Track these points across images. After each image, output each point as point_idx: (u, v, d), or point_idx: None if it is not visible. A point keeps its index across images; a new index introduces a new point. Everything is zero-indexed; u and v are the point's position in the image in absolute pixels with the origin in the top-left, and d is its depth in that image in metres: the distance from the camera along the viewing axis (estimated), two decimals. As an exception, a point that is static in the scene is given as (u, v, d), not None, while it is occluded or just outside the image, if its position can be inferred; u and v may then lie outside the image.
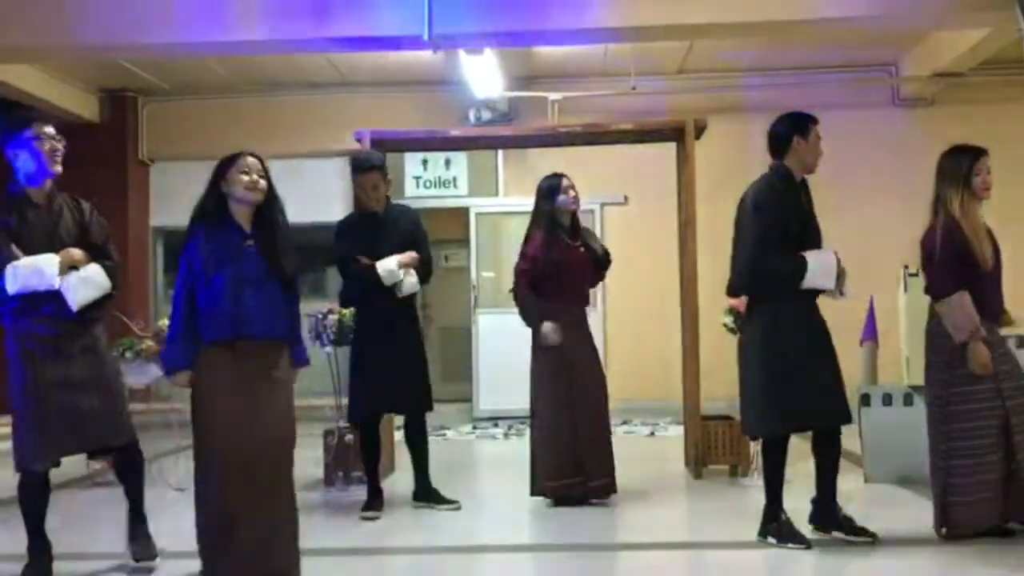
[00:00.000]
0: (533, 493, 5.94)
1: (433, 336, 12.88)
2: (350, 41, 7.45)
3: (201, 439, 4.15)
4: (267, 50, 8.39)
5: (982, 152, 4.88)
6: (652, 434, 9.21)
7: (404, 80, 10.81)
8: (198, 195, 4.31)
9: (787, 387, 4.66)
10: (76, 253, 4.52)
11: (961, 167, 4.84)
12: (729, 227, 4.93)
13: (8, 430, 4.53)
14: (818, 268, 4.71)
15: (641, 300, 10.52)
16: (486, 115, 10.90)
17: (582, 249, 6.01)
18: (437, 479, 6.07)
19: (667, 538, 5.24)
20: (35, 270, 4.38)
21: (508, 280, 6.05)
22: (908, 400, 6.25)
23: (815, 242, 4.84)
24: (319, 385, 6.99)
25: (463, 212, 11.37)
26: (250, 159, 4.24)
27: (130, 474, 4.80)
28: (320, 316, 6.62)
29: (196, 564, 4.55)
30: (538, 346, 5.86)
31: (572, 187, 5.96)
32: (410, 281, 5.78)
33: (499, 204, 11.16)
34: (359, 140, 7.01)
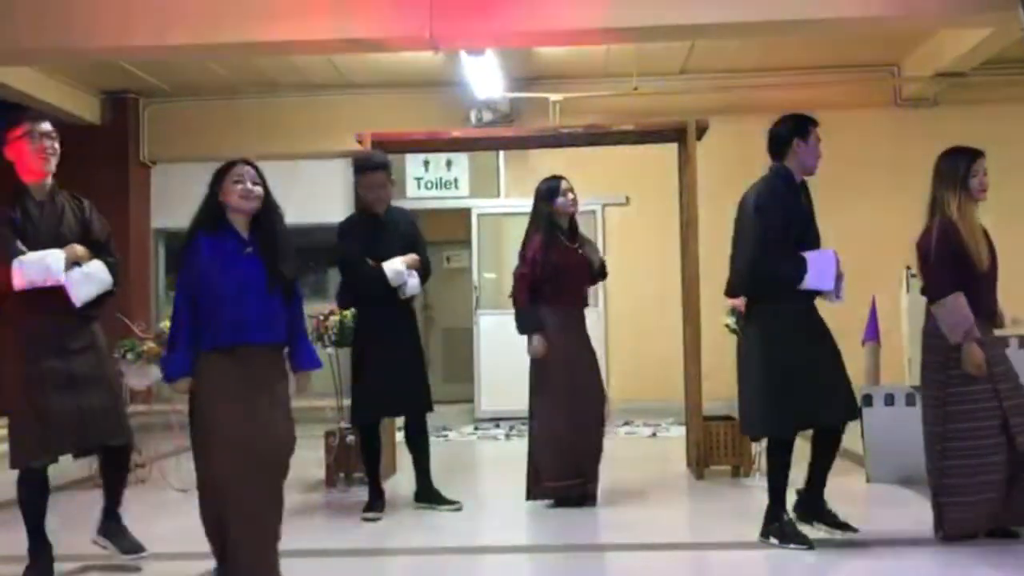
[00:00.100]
0: (530, 496, 5.94)
1: (435, 337, 12.91)
2: (351, 42, 7.44)
3: (201, 445, 4.15)
4: (268, 52, 8.40)
5: (979, 154, 4.88)
6: (654, 435, 9.20)
7: (405, 81, 10.81)
8: (199, 197, 4.31)
9: (790, 387, 4.66)
10: (79, 249, 4.56)
11: (958, 169, 4.84)
12: (731, 228, 4.93)
13: (5, 431, 4.53)
14: (818, 269, 4.71)
15: (642, 301, 10.52)
16: (487, 116, 10.90)
17: (580, 251, 6.01)
18: (439, 480, 6.06)
19: (669, 539, 5.23)
20: (41, 265, 4.41)
21: (510, 281, 6.04)
22: (910, 400, 6.23)
23: (814, 244, 4.85)
24: (320, 386, 6.98)
25: (465, 213, 11.37)
26: (243, 168, 4.26)
27: (117, 473, 4.79)
28: (321, 318, 6.63)
29: (197, 565, 4.57)
30: (541, 343, 5.84)
31: (571, 189, 5.96)
32: (413, 283, 5.80)
33: (500, 205, 11.16)
34: (360, 141, 7.01)
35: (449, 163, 11.28)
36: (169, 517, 5.87)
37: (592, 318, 6.15)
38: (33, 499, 4.55)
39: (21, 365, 4.45)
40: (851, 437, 6.61)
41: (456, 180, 11.35)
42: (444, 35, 7.06)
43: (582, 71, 10.78)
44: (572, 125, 8.15)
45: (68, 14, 7.22)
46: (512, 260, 6.10)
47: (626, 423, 9.97)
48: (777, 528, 4.77)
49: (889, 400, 6.38)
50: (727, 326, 6.54)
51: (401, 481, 6.58)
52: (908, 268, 6.34)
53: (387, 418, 6.11)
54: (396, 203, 6.09)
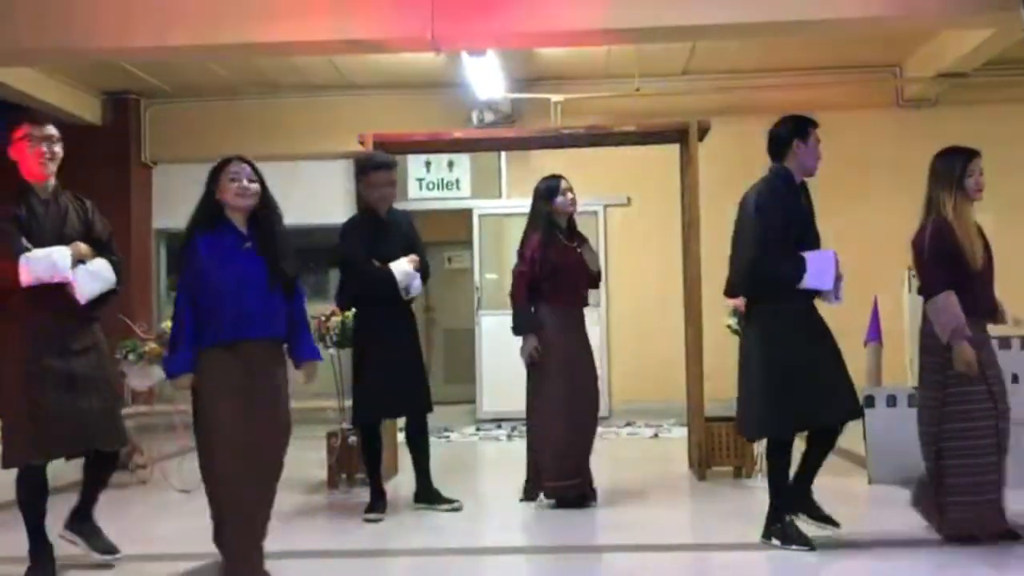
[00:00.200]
0: (525, 497, 5.95)
1: (436, 338, 12.92)
2: (352, 43, 7.45)
3: (203, 442, 4.18)
4: (269, 52, 8.40)
5: (975, 154, 4.89)
6: (656, 435, 9.20)
7: (406, 82, 10.80)
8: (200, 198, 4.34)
9: (790, 388, 4.66)
10: (84, 247, 4.59)
11: (954, 169, 4.85)
12: (732, 228, 4.93)
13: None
14: (817, 268, 4.72)
15: (644, 301, 10.52)
16: (489, 117, 10.89)
17: (579, 250, 6.01)
18: (441, 480, 6.07)
19: (670, 540, 5.23)
20: (48, 261, 4.43)
21: (511, 282, 6.04)
22: (912, 401, 6.21)
23: (814, 244, 4.85)
24: (322, 387, 6.98)
25: (466, 214, 11.36)
26: (239, 165, 4.30)
27: (102, 476, 4.78)
28: (323, 319, 6.63)
29: (199, 565, 4.58)
30: (534, 347, 5.84)
31: (570, 189, 5.96)
32: (416, 284, 5.82)
33: (502, 206, 11.15)
34: (362, 142, 7.01)
35: (451, 164, 11.28)
36: (171, 518, 5.88)
37: (593, 319, 6.16)
38: (32, 499, 4.54)
39: (22, 363, 4.45)
40: (853, 438, 6.61)
41: (457, 181, 11.35)
42: (445, 36, 7.06)
43: (583, 72, 10.78)
44: (573, 126, 8.14)
45: (69, 15, 7.23)
46: (513, 261, 6.10)
47: (628, 424, 9.98)
48: (779, 529, 4.77)
49: (891, 401, 6.38)
50: (729, 327, 6.55)
51: (403, 482, 6.58)
52: (909, 268, 6.34)
53: (388, 419, 6.10)
54: (396, 204, 6.09)
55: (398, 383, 5.73)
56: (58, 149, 4.64)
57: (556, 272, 5.83)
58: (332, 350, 6.72)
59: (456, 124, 10.69)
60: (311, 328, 4.86)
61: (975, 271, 4.75)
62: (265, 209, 4.34)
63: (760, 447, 6.19)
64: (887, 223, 9.82)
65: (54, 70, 10.04)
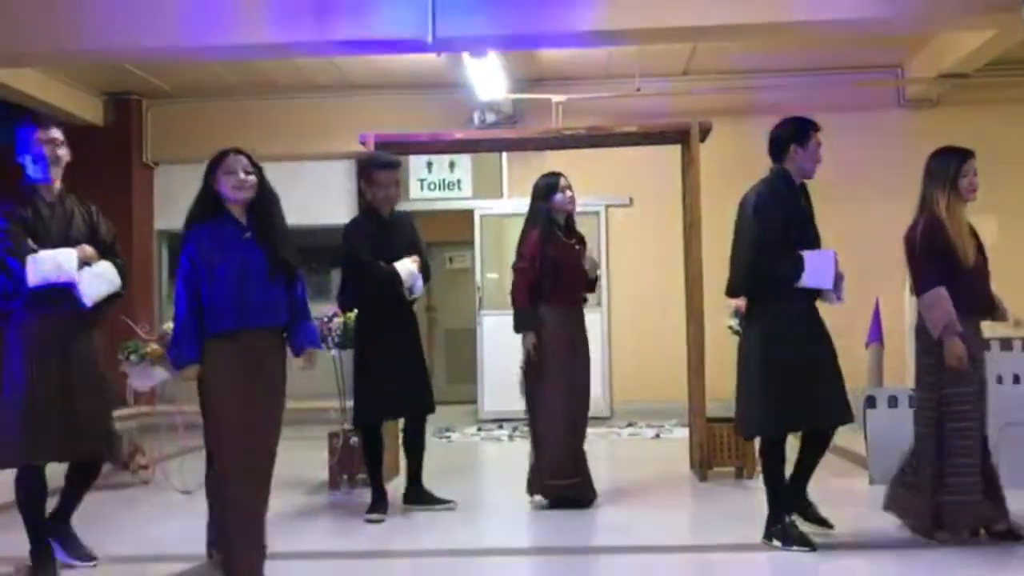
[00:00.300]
0: (531, 491, 5.97)
1: (438, 338, 12.92)
2: (354, 44, 7.45)
3: (213, 429, 4.23)
4: (271, 53, 8.40)
5: (969, 154, 4.92)
6: (657, 436, 9.20)
7: (408, 83, 10.80)
8: (200, 197, 4.37)
9: (788, 387, 4.68)
10: (89, 250, 4.63)
11: (948, 168, 4.88)
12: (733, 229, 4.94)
13: None
14: (816, 266, 4.73)
15: (645, 302, 10.51)
16: (490, 117, 10.89)
17: (578, 247, 6.01)
18: (442, 480, 6.07)
19: (671, 541, 5.23)
20: (54, 263, 4.46)
21: (511, 280, 6.04)
22: (913, 402, 6.22)
23: (814, 245, 4.87)
24: (323, 387, 6.99)
25: (468, 214, 11.36)
26: (235, 158, 4.33)
27: (85, 483, 4.78)
28: (325, 319, 6.62)
29: (199, 566, 4.59)
30: (540, 345, 5.85)
31: (569, 187, 5.97)
32: (419, 284, 5.82)
33: (503, 206, 11.14)
34: (363, 143, 7.01)
35: (452, 164, 11.29)
36: (173, 519, 5.88)
37: (595, 319, 6.16)
38: (31, 499, 4.55)
39: (23, 365, 4.46)
40: (854, 438, 6.62)
41: (459, 181, 11.36)
42: (446, 37, 7.06)
43: (585, 72, 10.78)
44: (575, 126, 8.14)
45: (70, 16, 7.23)
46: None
47: (629, 424, 9.98)
48: (780, 530, 4.77)
49: (892, 402, 6.38)
50: (730, 327, 6.54)
51: (404, 483, 6.57)
52: (910, 269, 6.34)
53: (390, 421, 6.10)
54: (397, 205, 6.09)
55: (400, 384, 5.73)
56: (63, 152, 4.66)
57: (556, 269, 5.83)
58: (334, 351, 6.71)
59: (458, 125, 10.69)
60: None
61: (967, 269, 4.78)
62: (264, 199, 4.37)
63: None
64: (888, 224, 9.75)
65: (56, 71, 10.05)
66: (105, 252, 4.71)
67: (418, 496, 5.97)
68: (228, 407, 4.16)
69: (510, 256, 6.10)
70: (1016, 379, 5.90)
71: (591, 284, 6.14)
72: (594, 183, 10.09)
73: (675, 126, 7.25)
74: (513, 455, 8.09)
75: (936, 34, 9.61)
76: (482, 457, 8.69)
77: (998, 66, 9.80)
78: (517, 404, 6.08)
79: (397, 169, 5.94)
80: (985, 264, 4.92)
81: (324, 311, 6.77)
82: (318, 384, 6.44)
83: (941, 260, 4.75)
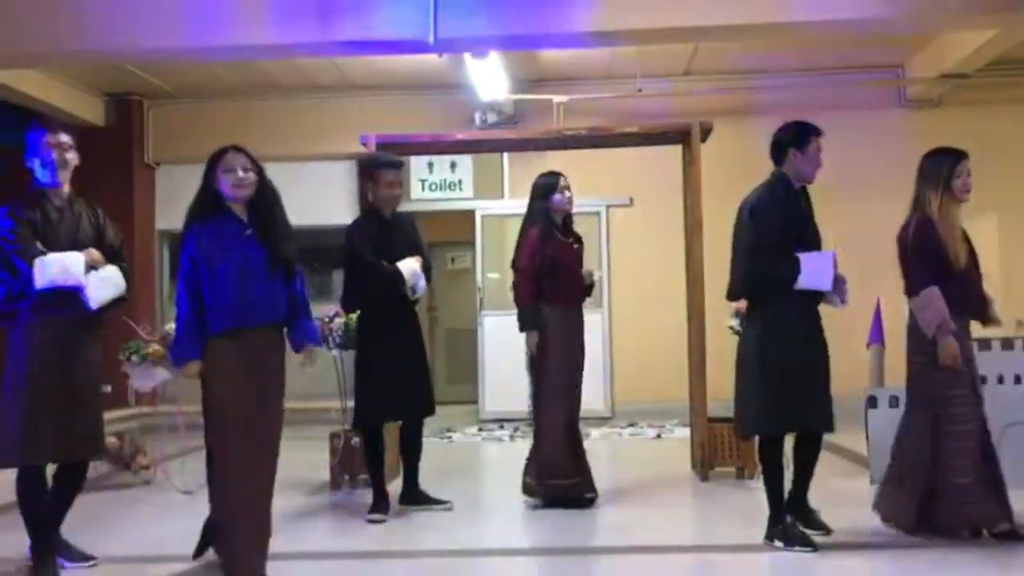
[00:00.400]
0: (532, 493, 5.97)
1: (439, 338, 12.92)
2: (355, 45, 7.45)
3: (215, 427, 4.23)
4: (272, 54, 8.40)
5: (963, 155, 4.95)
6: (658, 436, 9.20)
7: (409, 83, 10.81)
8: (202, 197, 4.37)
9: (784, 389, 4.70)
10: (96, 254, 4.65)
11: (942, 169, 4.91)
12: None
13: None
14: (813, 268, 4.74)
15: (646, 302, 10.51)
16: (491, 118, 10.89)
17: (575, 247, 6.02)
18: (443, 481, 6.08)
19: (673, 541, 5.23)
20: (61, 266, 4.48)
21: (513, 279, 6.04)
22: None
23: (814, 247, 4.87)
24: (325, 388, 6.99)
25: (469, 215, 11.37)
26: (233, 156, 4.34)
27: (76, 483, 4.78)
28: (326, 319, 6.62)
29: (201, 566, 4.59)
30: (541, 345, 5.85)
31: (568, 187, 5.97)
32: (422, 284, 5.83)
33: (504, 207, 11.14)
34: (365, 144, 7.01)
35: (453, 165, 11.29)
36: (174, 519, 5.88)
37: (596, 319, 6.17)
38: (32, 499, 4.57)
39: (25, 367, 4.47)
40: (855, 438, 6.63)
41: (460, 182, 11.36)
42: (448, 38, 7.06)
43: (586, 73, 10.78)
44: (576, 127, 8.14)
45: (71, 17, 7.23)
46: (515, 260, 6.10)
47: (631, 424, 9.98)
48: (781, 531, 4.78)
49: (894, 402, 6.37)
50: (731, 328, 6.54)
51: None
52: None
53: (391, 422, 6.10)
54: (399, 205, 6.09)
55: (402, 385, 5.73)
56: (71, 156, 4.68)
57: (555, 267, 5.84)
58: (335, 352, 6.71)
59: (459, 125, 10.69)
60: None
61: (957, 270, 4.81)
62: (264, 196, 4.38)
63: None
64: (889, 224, 9.74)
65: (57, 72, 10.05)
66: (111, 256, 4.74)
67: (415, 497, 5.97)
68: (230, 405, 4.17)
69: (511, 256, 6.09)
70: (1017, 379, 5.90)
71: (587, 289, 6.15)
72: (595, 183, 10.09)
73: (676, 126, 7.26)
74: (514, 455, 8.07)
75: (937, 34, 9.61)
76: (483, 457, 8.69)
77: (999, 66, 9.81)
78: (518, 404, 6.08)
79: (399, 169, 5.95)
80: (976, 267, 4.95)
81: (325, 311, 6.77)
82: (319, 384, 6.44)
83: (932, 260, 4.78)
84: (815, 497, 5.12)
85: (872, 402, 6.35)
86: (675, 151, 7.35)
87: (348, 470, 6.65)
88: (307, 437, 7.05)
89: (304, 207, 9.20)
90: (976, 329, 5.07)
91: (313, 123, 11.14)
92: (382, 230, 5.82)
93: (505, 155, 11.05)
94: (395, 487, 6.06)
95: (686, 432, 7.53)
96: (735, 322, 6.38)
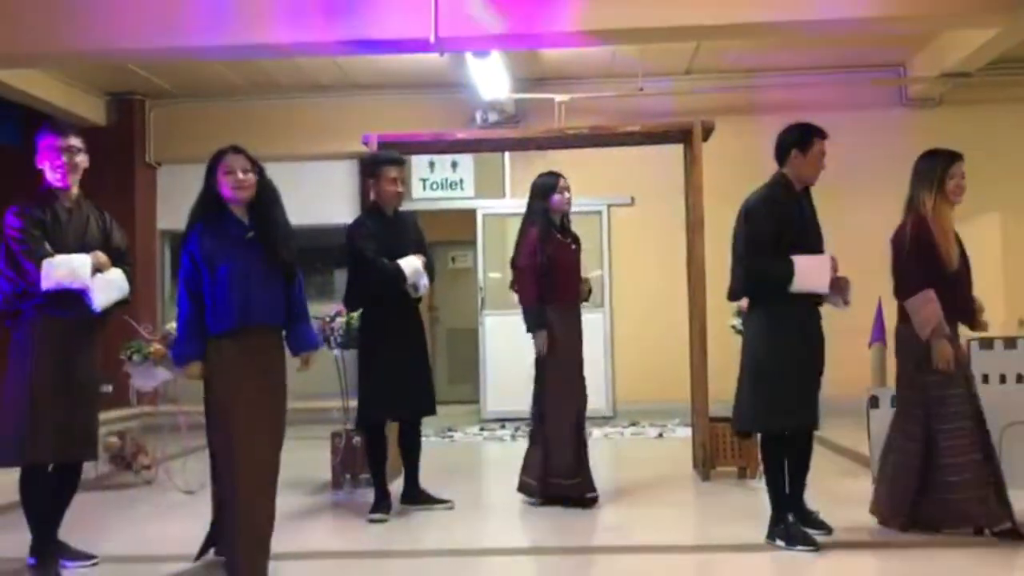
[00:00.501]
0: (530, 494, 5.96)
1: (440, 338, 12.91)
2: (357, 44, 7.45)
3: (219, 428, 4.22)
4: (274, 53, 8.40)
5: (957, 157, 4.96)
6: (660, 436, 9.19)
7: (410, 82, 10.81)
8: (203, 198, 4.37)
9: (772, 387, 4.73)
10: (103, 256, 4.68)
11: (935, 170, 4.93)
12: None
13: None
14: (808, 270, 4.74)
15: (648, 301, 10.50)
16: (493, 117, 10.88)
17: (574, 247, 6.02)
18: (444, 480, 6.07)
19: (674, 541, 5.23)
20: (68, 267, 4.51)
21: (513, 279, 6.04)
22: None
23: (814, 250, 4.86)
24: (326, 387, 7.00)
25: (470, 214, 11.36)
26: (232, 157, 4.34)
27: (72, 483, 4.78)
28: (328, 319, 6.63)
29: (201, 566, 4.59)
30: (544, 342, 5.85)
31: (567, 188, 5.97)
32: (424, 282, 5.82)
33: (506, 206, 11.14)
34: (366, 143, 7.01)
35: (454, 164, 11.29)
36: (175, 519, 5.88)
37: (597, 319, 6.16)
38: (36, 498, 4.58)
39: (28, 365, 4.48)
40: (857, 438, 6.62)
41: (461, 181, 11.36)
42: (449, 37, 7.06)
43: (587, 72, 10.77)
44: (577, 126, 8.14)
45: (72, 16, 7.24)
46: (517, 260, 6.09)
47: (632, 424, 9.98)
48: (783, 530, 4.77)
49: (895, 402, 6.35)
50: (733, 327, 6.54)
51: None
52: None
53: (393, 421, 6.10)
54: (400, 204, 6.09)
55: (405, 385, 5.73)
56: (81, 159, 4.70)
57: (553, 266, 5.84)
58: (336, 351, 6.72)
59: (460, 124, 10.69)
60: (314, 328, 4.89)
61: (950, 272, 4.83)
62: (265, 197, 4.38)
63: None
64: (890, 223, 9.75)
65: (58, 71, 10.06)
66: (116, 259, 4.76)
67: (416, 496, 5.97)
68: (233, 405, 4.17)
69: (511, 255, 6.09)
70: (1019, 379, 5.89)
71: (584, 295, 6.15)
72: (596, 182, 10.09)
73: (678, 125, 7.25)
74: (515, 455, 8.05)
75: (939, 33, 9.60)
76: (484, 457, 8.69)
77: (1001, 65, 9.79)
78: (519, 404, 6.08)
79: (402, 166, 5.94)
80: (967, 270, 4.96)
81: (326, 311, 6.78)
82: (321, 384, 6.44)
83: (926, 261, 4.79)
84: (817, 497, 5.12)
85: (874, 402, 6.33)
86: (677, 150, 7.35)
87: (349, 469, 6.65)
88: (309, 436, 7.05)
89: (305, 206, 9.22)
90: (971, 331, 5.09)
91: (314, 122, 11.14)
92: (384, 228, 5.81)
93: (506, 154, 11.04)
94: (396, 487, 6.06)
95: (688, 432, 7.52)
96: (737, 321, 6.38)
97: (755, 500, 5.69)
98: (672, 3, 7.16)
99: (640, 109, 10.36)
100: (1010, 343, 5.96)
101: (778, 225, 4.76)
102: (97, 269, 4.61)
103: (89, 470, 6.21)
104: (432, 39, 7.00)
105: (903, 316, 4.95)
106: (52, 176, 4.64)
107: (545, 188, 5.95)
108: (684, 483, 6.72)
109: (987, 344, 5.88)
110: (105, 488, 6.78)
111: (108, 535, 5.42)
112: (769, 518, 4.85)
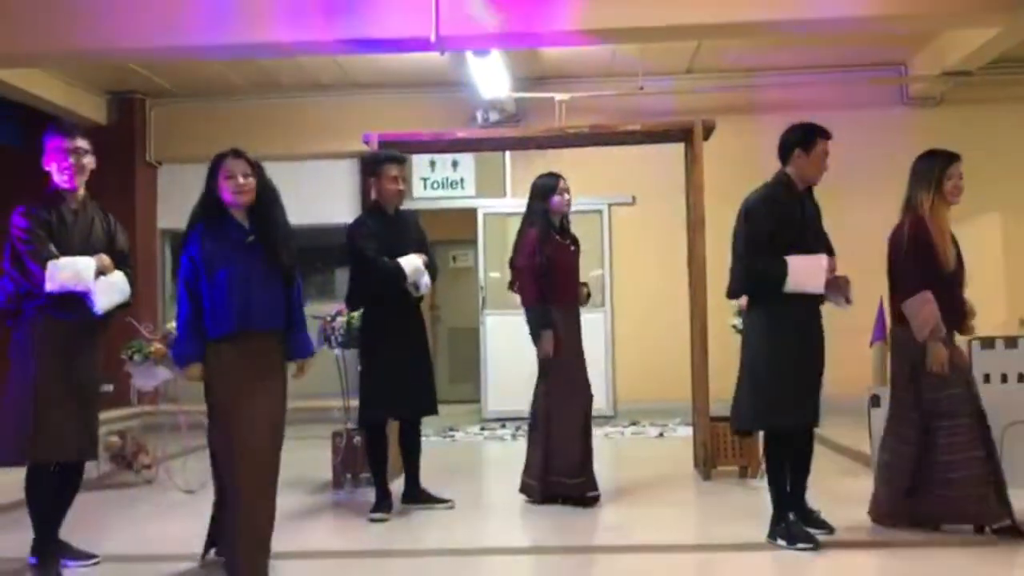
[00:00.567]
0: (530, 494, 5.96)
1: (441, 337, 12.92)
2: (357, 43, 7.45)
3: (219, 430, 4.23)
4: (274, 52, 8.41)
5: (955, 157, 4.96)
6: (661, 435, 9.19)
7: (411, 82, 10.81)
8: (204, 198, 4.38)
9: (769, 387, 4.74)
10: (107, 260, 4.69)
11: (933, 171, 4.93)
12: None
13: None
14: (802, 270, 4.74)
15: (649, 301, 10.50)
16: (493, 116, 10.88)
17: (573, 248, 6.02)
18: (445, 480, 6.07)
19: (675, 540, 5.22)
20: (73, 270, 4.51)
21: (513, 280, 6.03)
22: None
23: (815, 248, 4.85)
24: (327, 387, 7.00)
25: (471, 213, 11.36)
26: (232, 162, 4.34)
27: (75, 485, 4.78)
28: (328, 318, 6.62)
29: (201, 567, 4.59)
30: (551, 343, 5.85)
31: (567, 189, 5.97)
32: (426, 281, 5.81)
33: (506, 205, 11.14)
34: (367, 142, 7.01)
35: (455, 163, 11.29)
36: (176, 518, 5.88)
37: (598, 318, 6.15)
38: (40, 498, 4.59)
39: (29, 365, 4.48)
40: (858, 438, 6.62)
41: (462, 180, 11.36)
42: (449, 36, 7.06)
43: (588, 71, 10.77)
44: (578, 125, 8.13)
45: (73, 16, 7.24)
46: (517, 260, 6.09)
47: (633, 423, 9.98)
48: (784, 529, 4.77)
49: (890, 404, 6.36)
50: (734, 327, 6.54)
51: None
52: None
53: (395, 420, 6.10)
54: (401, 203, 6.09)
55: (406, 384, 5.73)
56: (88, 161, 4.70)
57: (553, 268, 5.84)
58: (337, 350, 6.72)
59: (460, 123, 10.70)
60: (315, 328, 4.89)
61: (946, 273, 4.84)
62: (265, 199, 4.38)
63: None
64: (891, 222, 9.76)
65: (59, 71, 10.06)
66: (119, 261, 4.77)
67: (416, 495, 5.97)
68: (234, 407, 4.18)
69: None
70: (1020, 378, 5.89)
71: (583, 299, 6.15)
72: (597, 182, 10.10)
73: (678, 124, 7.24)
74: (516, 455, 8.05)
75: (939, 32, 9.60)
76: (485, 456, 8.69)
77: (1002, 64, 9.80)
78: (520, 404, 6.07)
79: (403, 164, 5.94)
80: (962, 271, 4.96)
81: (327, 310, 6.78)
82: (321, 383, 6.44)
83: (924, 261, 4.79)
84: (818, 496, 5.12)
85: (875, 401, 6.33)
86: (677, 149, 7.34)
87: (350, 469, 6.65)
88: (309, 436, 7.06)
89: (306, 206, 9.24)
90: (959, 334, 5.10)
91: (315, 122, 11.15)
92: (385, 227, 5.81)
93: (507, 153, 11.04)
94: (397, 486, 6.06)
95: (688, 431, 7.53)
96: (738, 321, 6.38)
97: (756, 499, 5.69)
98: (672, 2, 7.17)
99: (640, 108, 10.36)
100: (1011, 343, 5.96)
101: (778, 225, 4.76)
102: (100, 272, 4.61)
103: (90, 469, 6.20)
104: (432, 38, 7.00)
105: (899, 318, 4.95)
106: (59, 178, 4.65)
107: (545, 189, 5.95)
108: (685, 482, 6.72)
109: (988, 344, 5.88)
110: (106, 487, 6.79)
111: (109, 534, 5.42)
112: (770, 517, 4.85)
